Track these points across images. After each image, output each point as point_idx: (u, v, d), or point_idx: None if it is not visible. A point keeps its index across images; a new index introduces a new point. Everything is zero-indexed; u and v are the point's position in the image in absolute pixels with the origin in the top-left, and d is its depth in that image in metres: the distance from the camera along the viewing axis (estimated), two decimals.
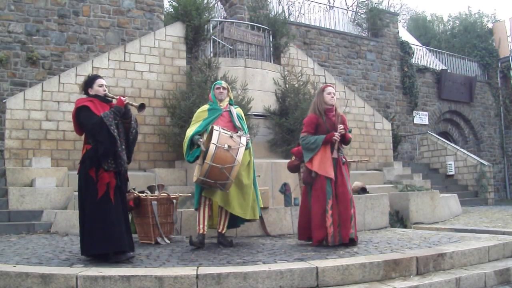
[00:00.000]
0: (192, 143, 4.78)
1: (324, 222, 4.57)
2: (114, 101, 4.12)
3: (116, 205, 3.92)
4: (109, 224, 3.80)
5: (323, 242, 4.64)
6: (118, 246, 3.83)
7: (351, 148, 11.48)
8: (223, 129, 4.56)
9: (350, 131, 4.92)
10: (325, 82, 11.68)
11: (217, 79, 9.16)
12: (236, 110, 5.07)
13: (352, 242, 4.62)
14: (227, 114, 4.96)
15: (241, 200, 4.71)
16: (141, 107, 4.10)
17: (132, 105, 4.13)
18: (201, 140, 4.70)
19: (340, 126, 4.72)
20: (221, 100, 5.01)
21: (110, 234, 3.78)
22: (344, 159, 4.81)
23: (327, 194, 4.59)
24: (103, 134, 3.86)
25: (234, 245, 4.76)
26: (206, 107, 5.07)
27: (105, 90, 4.15)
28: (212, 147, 4.31)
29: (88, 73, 8.91)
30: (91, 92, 4.14)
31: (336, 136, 4.68)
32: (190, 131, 4.87)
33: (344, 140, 4.82)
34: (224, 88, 5.04)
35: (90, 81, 4.17)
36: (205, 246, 4.67)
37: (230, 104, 5.09)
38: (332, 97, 4.84)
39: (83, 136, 4.10)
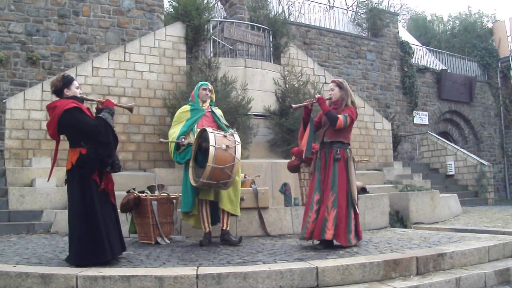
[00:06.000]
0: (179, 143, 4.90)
1: (307, 217, 4.60)
2: (94, 104, 4.21)
3: (108, 208, 3.97)
4: (111, 231, 3.86)
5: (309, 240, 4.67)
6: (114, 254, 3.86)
7: (351, 148, 11.48)
8: (215, 130, 4.64)
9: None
10: (325, 82, 11.67)
11: (217, 79, 9.17)
12: (217, 111, 5.20)
13: (326, 244, 4.47)
14: (210, 114, 5.10)
15: (232, 196, 4.82)
16: (131, 110, 4.42)
17: (123, 107, 4.47)
18: (184, 138, 4.86)
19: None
20: (204, 101, 5.13)
21: (110, 243, 3.79)
22: (338, 155, 4.53)
23: (315, 189, 4.61)
24: (109, 135, 3.88)
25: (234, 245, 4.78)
26: (187, 107, 5.16)
27: (80, 93, 4.07)
28: (211, 150, 4.34)
29: (87, 73, 8.99)
30: (68, 93, 3.91)
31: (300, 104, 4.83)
32: (174, 132, 5.00)
33: (323, 107, 4.62)
34: (209, 90, 5.18)
35: (68, 82, 3.93)
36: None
37: (211, 105, 5.20)
38: (330, 94, 4.81)
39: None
